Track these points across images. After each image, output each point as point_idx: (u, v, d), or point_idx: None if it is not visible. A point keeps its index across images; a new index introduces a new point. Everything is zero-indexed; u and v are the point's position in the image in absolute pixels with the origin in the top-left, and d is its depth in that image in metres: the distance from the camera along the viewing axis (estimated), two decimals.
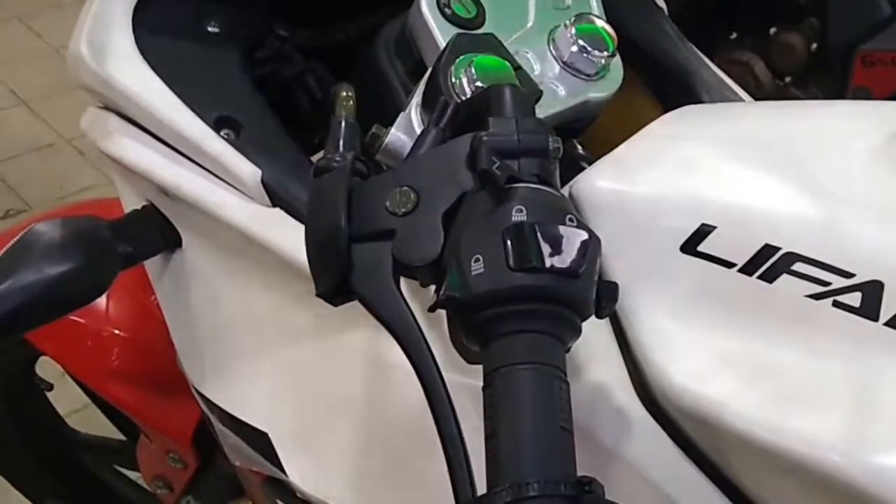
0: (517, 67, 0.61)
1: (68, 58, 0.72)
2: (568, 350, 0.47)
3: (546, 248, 0.45)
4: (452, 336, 0.49)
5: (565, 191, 0.55)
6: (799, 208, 0.50)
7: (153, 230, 0.73)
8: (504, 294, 0.46)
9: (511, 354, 0.46)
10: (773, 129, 0.56)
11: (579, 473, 0.44)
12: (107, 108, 0.71)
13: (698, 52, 0.78)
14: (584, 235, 0.47)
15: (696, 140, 0.57)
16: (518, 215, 0.46)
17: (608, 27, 0.67)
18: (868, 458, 0.45)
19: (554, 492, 0.41)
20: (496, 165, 0.48)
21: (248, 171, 0.62)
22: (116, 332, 1.01)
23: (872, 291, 0.46)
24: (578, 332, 0.48)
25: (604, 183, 0.55)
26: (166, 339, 0.80)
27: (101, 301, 1.01)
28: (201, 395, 0.74)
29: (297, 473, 0.65)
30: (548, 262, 0.45)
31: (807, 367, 0.47)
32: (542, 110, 0.61)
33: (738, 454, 0.49)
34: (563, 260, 0.45)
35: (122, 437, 1.26)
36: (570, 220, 0.47)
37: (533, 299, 0.46)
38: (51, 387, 1.27)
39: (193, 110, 0.65)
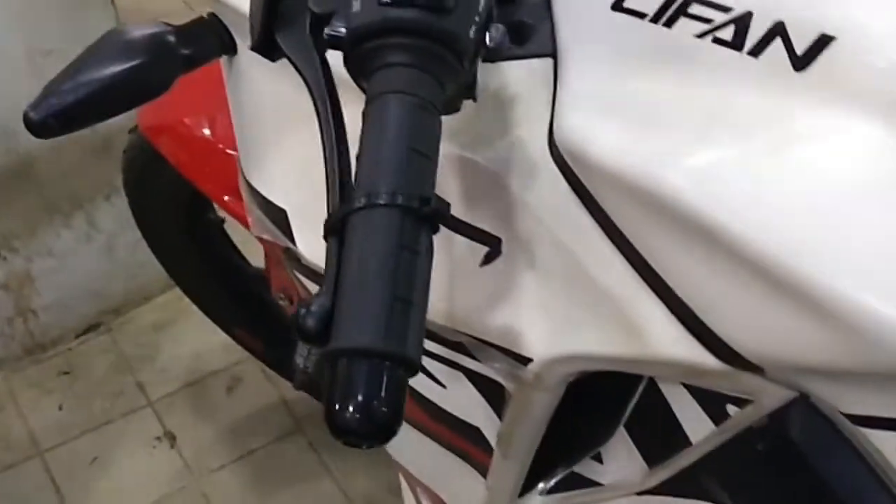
0: None
1: None
2: (447, 88, 0.49)
3: None
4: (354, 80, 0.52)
5: None
6: None
7: (213, 37, 0.78)
8: (376, 27, 0.48)
9: (381, 84, 0.48)
10: None
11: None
12: None
13: None
14: None
15: None
16: None
17: None
18: (708, 184, 0.46)
19: (400, 203, 0.44)
20: None
21: None
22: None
23: (742, 23, 0.48)
24: (456, 70, 0.49)
25: None
26: None
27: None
28: (244, 179, 0.77)
29: (304, 246, 0.69)
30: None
31: (678, 102, 0.49)
32: None
33: (612, 191, 0.51)
34: None
35: None
36: None
37: (403, 32, 0.48)
38: (223, 220, 1.37)
39: None
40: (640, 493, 0.61)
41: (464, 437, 0.67)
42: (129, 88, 0.73)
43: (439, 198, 0.46)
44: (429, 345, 0.63)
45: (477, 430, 0.65)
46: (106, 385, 1.64)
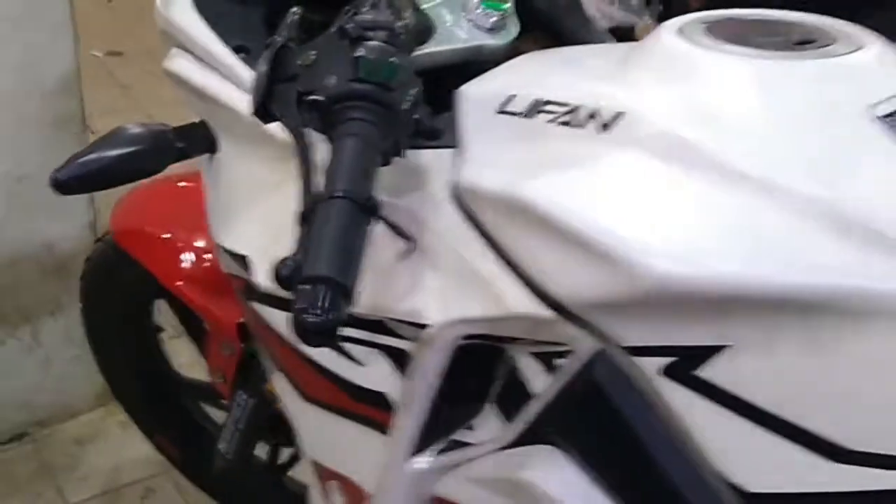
0: (417, 9, 0.89)
1: (155, 11, 1.02)
2: (387, 139, 0.74)
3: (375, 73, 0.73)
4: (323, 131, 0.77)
5: None
6: (560, 78, 0.81)
7: (201, 136, 1.03)
8: (344, 95, 0.73)
9: (343, 129, 0.72)
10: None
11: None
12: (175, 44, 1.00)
13: (607, 35, 1.08)
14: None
15: (525, 60, 0.89)
16: (359, 51, 0.74)
17: None
18: (540, 189, 0.72)
19: (351, 196, 0.68)
20: (351, 26, 0.76)
21: (250, 75, 0.90)
22: (192, 243, 1.34)
23: (574, 112, 0.75)
24: (393, 128, 0.73)
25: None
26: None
27: (183, 220, 1.33)
28: (216, 244, 1.00)
29: (261, 277, 0.91)
30: (373, 78, 0.73)
31: (532, 155, 0.76)
32: (441, 45, 0.92)
33: (486, 208, 0.75)
34: (382, 77, 0.73)
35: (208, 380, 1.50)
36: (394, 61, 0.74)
37: (361, 99, 0.73)
38: (161, 330, 1.56)
39: (222, 40, 0.95)
40: (503, 448, 0.83)
41: (375, 406, 0.88)
42: (133, 166, 0.99)
43: (376, 198, 0.72)
44: (351, 332, 0.87)
45: (385, 396, 0.87)
46: (26, 488, 1.77)
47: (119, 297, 1.52)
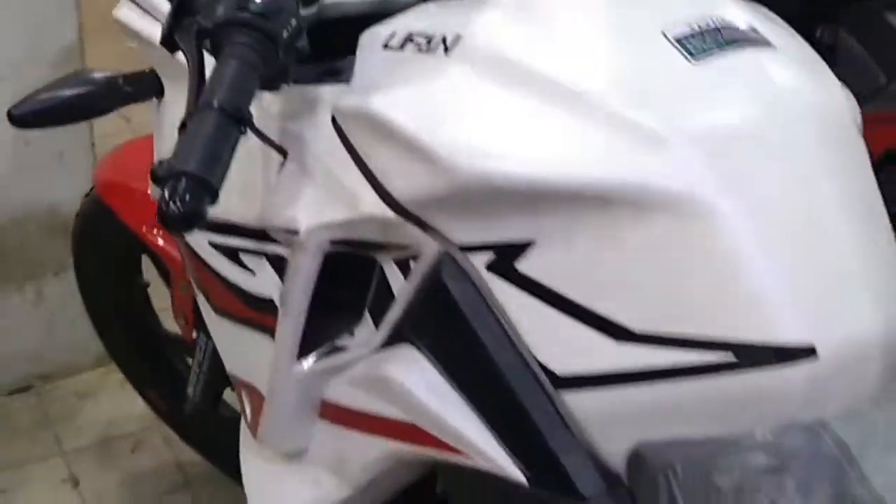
0: None
1: None
2: (269, 64, 0.83)
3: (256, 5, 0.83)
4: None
5: None
6: (430, 16, 0.90)
7: (149, 83, 1.15)
8: (229, 22, 0.83)
9: (228, 52, 0.82)
10: None
11: None
12: None
13: None
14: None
15: (421, 6, 0.94)
16: None
17: None
18: (391, 105, 0.81)
19: (225, 108, 0.79)
20: None
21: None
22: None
23: (427, 40, 0.85)
24: (273, 51, 0.82)
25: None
26: None
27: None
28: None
29: None
30: (253, 8, 0.82)
31: (395, 76, 0.85)
32: None
33: (353, 125, 0.84)
34: (261, 8, 0.82)
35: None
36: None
37: (243, 26, 0.82)
38: (148, 285, 1.67)
39: None
40: (376, 351, 0.92)
41: (267, 312, 0.97)
42: (84, 105, 1.11)
43: (248, 113, 0.82)
44: (241, 242, 0.97)
45: (273, 302, 0.97)
46: (26, 434, 1.90)
47: (106, 251, 1.63)
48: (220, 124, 0.80)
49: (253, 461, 1.11)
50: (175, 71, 1.08)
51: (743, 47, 0.81)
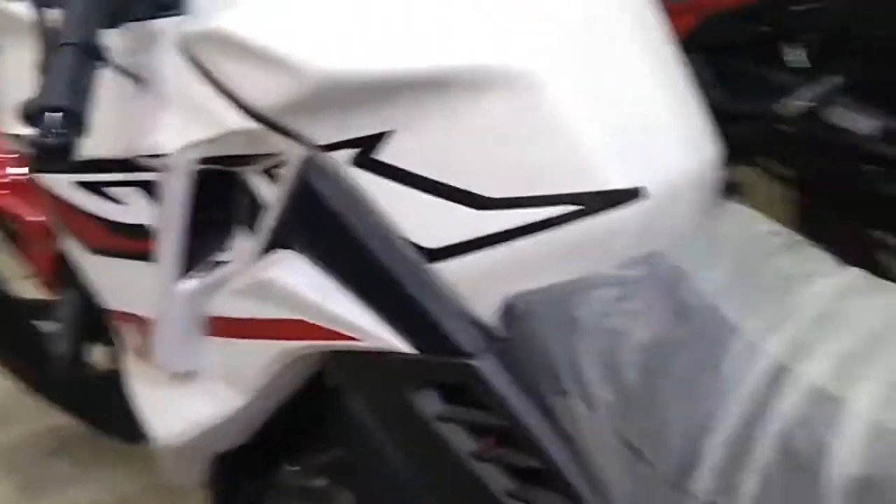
0: None
1: None
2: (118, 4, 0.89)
3: None
4: None
5: None
6: None
7: None
8: None
9: None
10: None
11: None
12: None
13: None
14: None
15: None
16: None
17: None
18: (244, 22, 0.88)
19: (78, 42, 0.85)
20: None
21: None
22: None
23: None
24: None
25: None
26: None
27: None
28: (6, 133, 1.13)
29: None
30: None
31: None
32: None
33: (202, 46, 0.90)
34: None
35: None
36: None
37: None
38: None
39: None
40: (256, 260, 0.99)
41: (142, 239, 1.04)
42: None
43: (101, 45, 0.87)
44: (106, 176, 1.02)
45: (145, 228, 1.03)
46: None
47: None
48: (80, 59, 0.86)
49: (145, 390, 1.17)
50: (8, 25, 1.11)
51: None
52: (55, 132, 0.81)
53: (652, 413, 0.80)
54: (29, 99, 0.84)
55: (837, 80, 1.72)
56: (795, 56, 1.80)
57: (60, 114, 0.82)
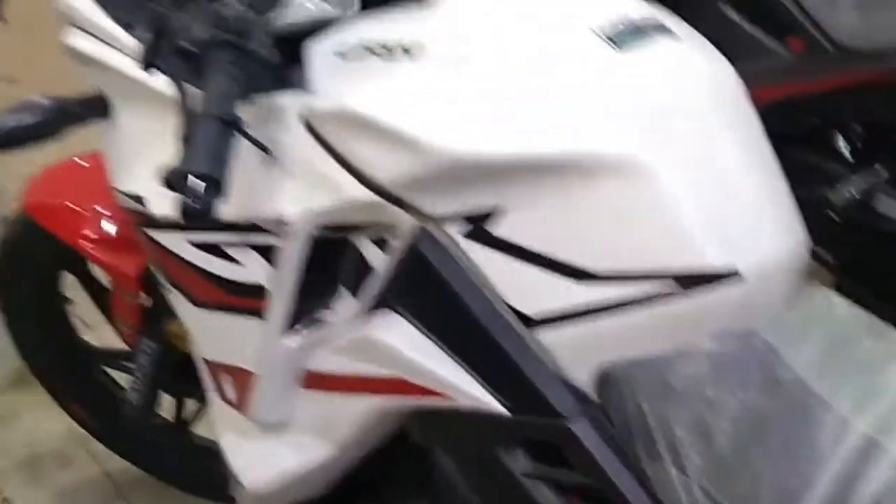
0: None
1: None
2: (253, 80, 0.98)
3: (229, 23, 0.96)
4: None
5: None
6: (374, 26, 1.05)
7: (97, 104, 1.25)
8: (208, 41, 0.97)
9: (211, 66, 0.96)
10: None
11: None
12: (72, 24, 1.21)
13: None
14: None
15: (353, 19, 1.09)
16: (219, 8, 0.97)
17: None
18: (362, 100, 0.97)
19: (219, 115, 0.93)
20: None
21: (136, 44, 1.11)
22: (95, 211, 1.52)
23: (388, 50, 1.00)
24: (251, 65, 0.96)
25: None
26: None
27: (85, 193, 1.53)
28: (118, 191, 1.21)
29: (154, 207, 1.13)
30: (230, 27, 0.96)
31: (361, 78, 1.00)
32: (297, 17, 1.06)
33: (325, 122, 0.99)
34: (236, 26, 0.96)
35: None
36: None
37: (222, 44, 0.97)
38: (70, 302, 1.73)
39: (113, 18, 1.16)
40: (359, 319, 1.05)
41: (254, 297, 1.09)
42: (38, 130, 1.20)
43: (239, 117, 0.95)
44: (224, 237, 1.09)
45: (261, 287, 1.09)
46: None
47: (32, 272, 1.70)
48: (220, 130, 0.93)
49: (235, 438, 1.22)
50: (122, 87, 1.19)
51: (655, 38, 0.99)
52: (198, 197, 0.88)
53: (744, 479, 0.86)
54: (172, 165, 0.91)
55: (884, 171, 1.79)
56: (846, 146, 1.89)
57: (202, 180, 0.89)
